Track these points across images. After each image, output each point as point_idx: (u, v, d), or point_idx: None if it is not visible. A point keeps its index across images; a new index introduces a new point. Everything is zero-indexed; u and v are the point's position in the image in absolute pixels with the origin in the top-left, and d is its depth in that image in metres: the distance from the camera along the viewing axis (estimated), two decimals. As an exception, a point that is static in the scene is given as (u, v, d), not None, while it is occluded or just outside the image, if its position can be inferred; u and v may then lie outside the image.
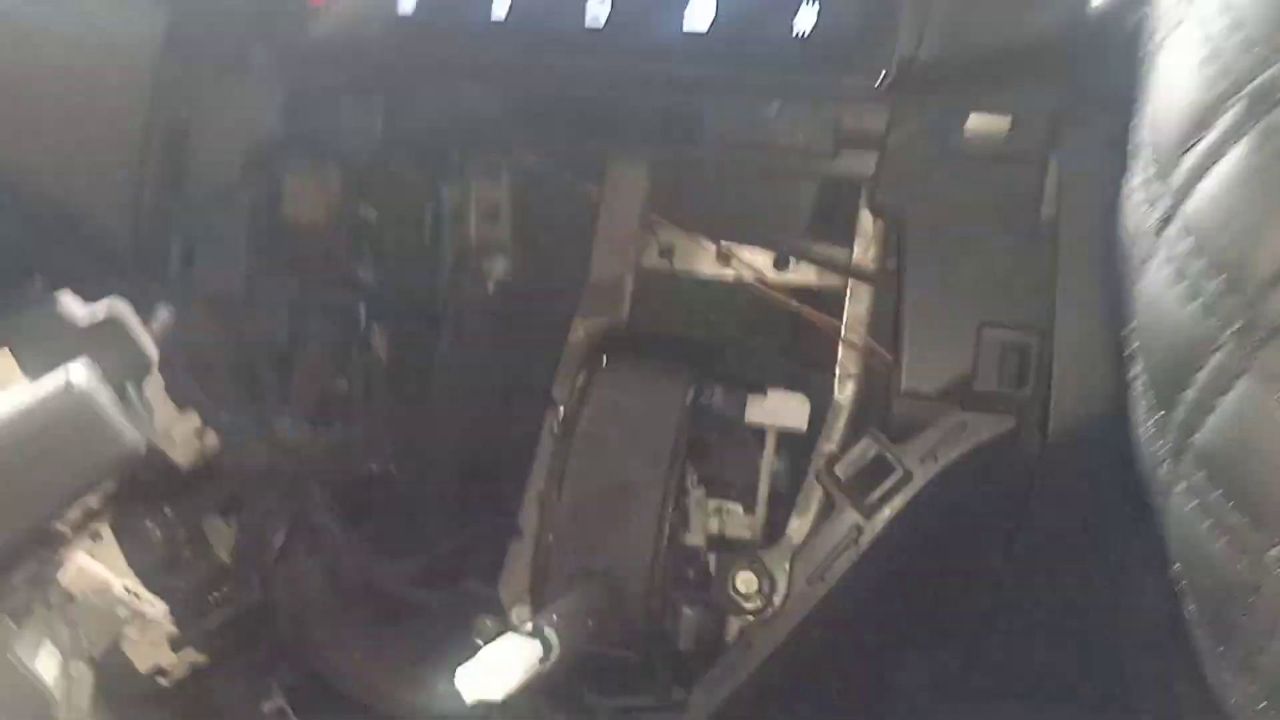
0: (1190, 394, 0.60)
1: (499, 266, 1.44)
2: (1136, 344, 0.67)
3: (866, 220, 1.24)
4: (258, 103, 1.24)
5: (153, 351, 0.82)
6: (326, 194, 1.36)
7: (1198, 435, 0.60)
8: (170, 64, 1.22)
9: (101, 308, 0.85)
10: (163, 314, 0.94)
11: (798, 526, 1.14)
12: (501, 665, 0.74)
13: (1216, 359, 0.58)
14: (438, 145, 1.40)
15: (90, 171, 1.16)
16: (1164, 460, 0.63)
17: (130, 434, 0.77)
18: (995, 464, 1.06)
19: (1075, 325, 1.01)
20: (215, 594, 1.10)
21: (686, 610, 1.13)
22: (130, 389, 0.84)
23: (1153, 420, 0.65)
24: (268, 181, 1.28)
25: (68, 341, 0.80)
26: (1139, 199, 0.73)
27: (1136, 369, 0.66)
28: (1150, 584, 1.03)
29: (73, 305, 0.82)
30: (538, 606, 1.07)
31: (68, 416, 0.75)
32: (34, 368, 0.80)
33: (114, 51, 1.21)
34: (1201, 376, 0.59)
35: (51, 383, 0.76)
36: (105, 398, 0.77)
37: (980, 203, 1.06)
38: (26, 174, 1.14)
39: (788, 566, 1.10)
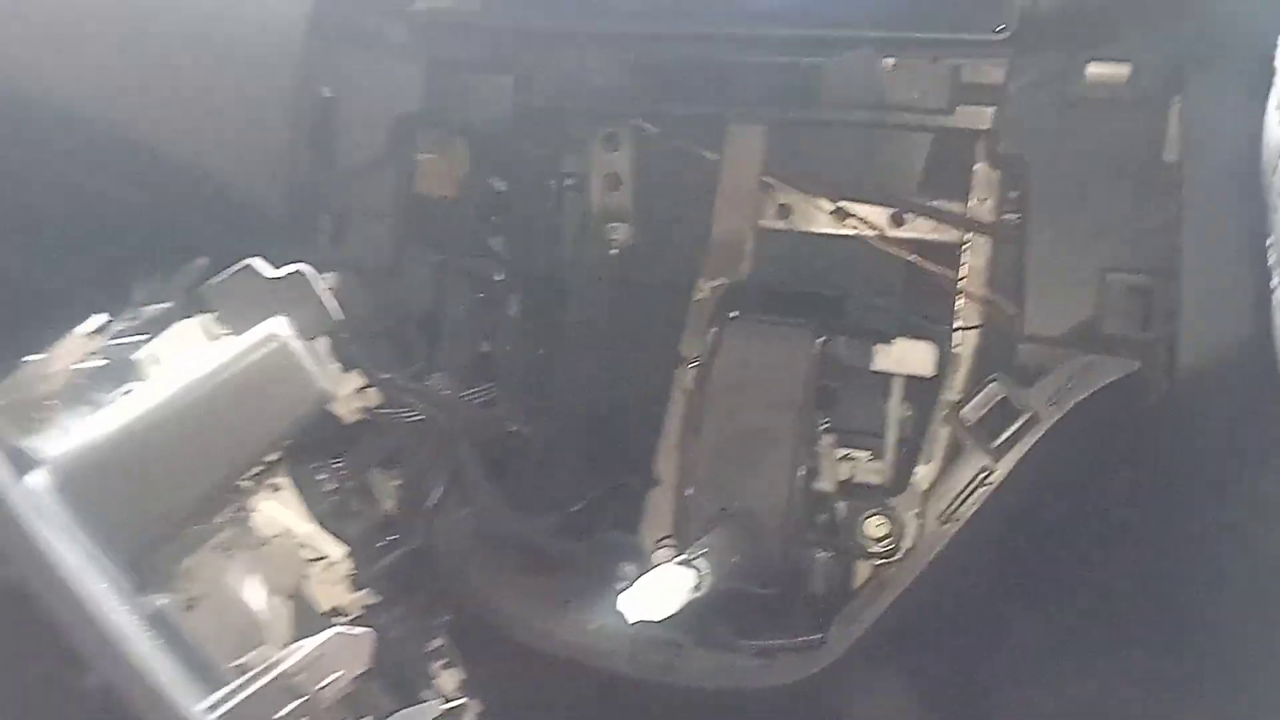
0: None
1: (621, 233, 1.50)
2: (1276, 256, 0.70)
3: (983, 173, 1.27)
4: (399, 78, 1.31)
5: (336, 309, 0.90)
6: (457, 167, 1.44)
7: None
8: (316, 42, 1.28)
9: (288, 270, 0.93)
10: (331, 279, 1.01)
11: (925, 472, 1.18)
12: (661, 589, 0.80)
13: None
14: (562, 118, 1.46)
15: (244, 149, 1.24)
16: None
17: (324, 382, 0.85)
18: (1121, 407, 1.09)
19: (1202, 266, 1.03)
20: (382, 541, 1.18)
21: (820, 553, 1.18)
22: (315, 345, 0.92)
23: None
24: (407, 156, 1.35)
25: (263, 301, 0.88)
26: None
27: (1275, 280, 0.69)
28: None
29: (264, 266, 0.90)
30: (682, 548, 1.13)
31: (273, 365, 0.83)
32: (236, 326, 0.88)
33: (263, 31, 1.28)
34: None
35: (256, 335, 0.84)
36: (302, 349, 0.85)
37: (1102, 149, 1.08)
38: (184, 154, 1.22)
39: (917, 510, 1.14)
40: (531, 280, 1.51)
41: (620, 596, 0.87)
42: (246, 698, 0.65)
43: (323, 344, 1.11)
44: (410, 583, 1.20)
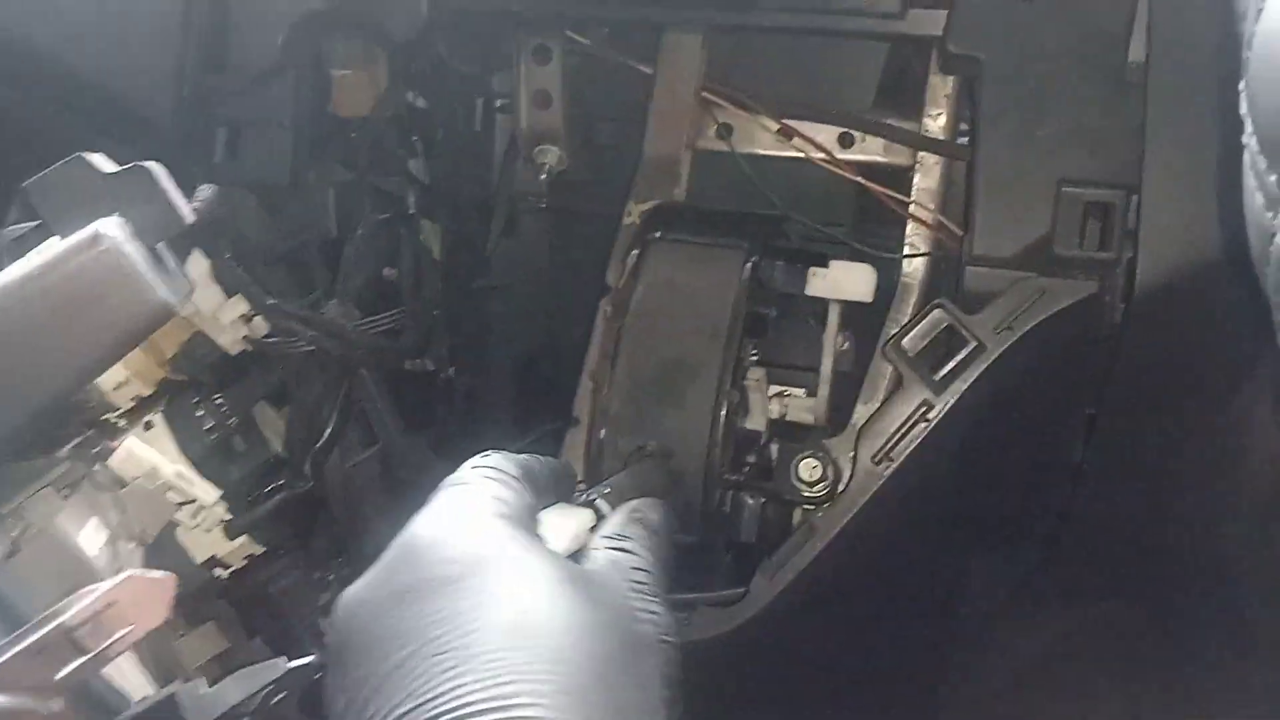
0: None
1: (552, 156, 1.39)
2: (1247, 104, 0.59)
3: (937, 87, 1.16)
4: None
5: (187, 212, 0.78)
6: (374, 81, 1.32)
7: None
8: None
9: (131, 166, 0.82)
10: (206, 190, 0.91)
11: (864, 412, 1.09)
12: (551, 529, 0.70)
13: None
14: (486, 27, 1.35)
15: (129, 54, 1.14)
16: (1276, 234, 0.56)
17: (163, 292, 0.74)
18: (1076, 334, 0.99)
19: (1167, 179, 0.92)
20: (269, 483, 1.08)
21: (748, 498, 1.08)
22: (167, 254, 0.80)
23: (1264, 187, 0.57)
24: (313, 65, 1.23)
25: (97, 199, 0.77)
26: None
27: (1247, 133, 0.59)
28: (1250, 459, 0.96)
29: (101, 160, 0.79)
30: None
31: (98, 272, 0.72)
32: (64, 228, 0.77)
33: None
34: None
35: (80, 236, 0.73)
36: (137, 253, 0.74)
37: (1060, 49, 0.98)
38: (64, 59, 1.12)
39: (853, 451, 1.05)
40: (455, 208, 1.40)
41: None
42: (11, 657, 0.54)
43: (199, 267, 1.01)
44: (301, 530, 1.11)
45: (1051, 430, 1.08)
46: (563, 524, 0.72)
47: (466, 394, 1.48)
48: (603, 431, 1.04)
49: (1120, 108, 0.95)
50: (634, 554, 0.66)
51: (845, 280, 1.06)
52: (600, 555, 0.66)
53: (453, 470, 0.66)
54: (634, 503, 0.73)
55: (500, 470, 0.65)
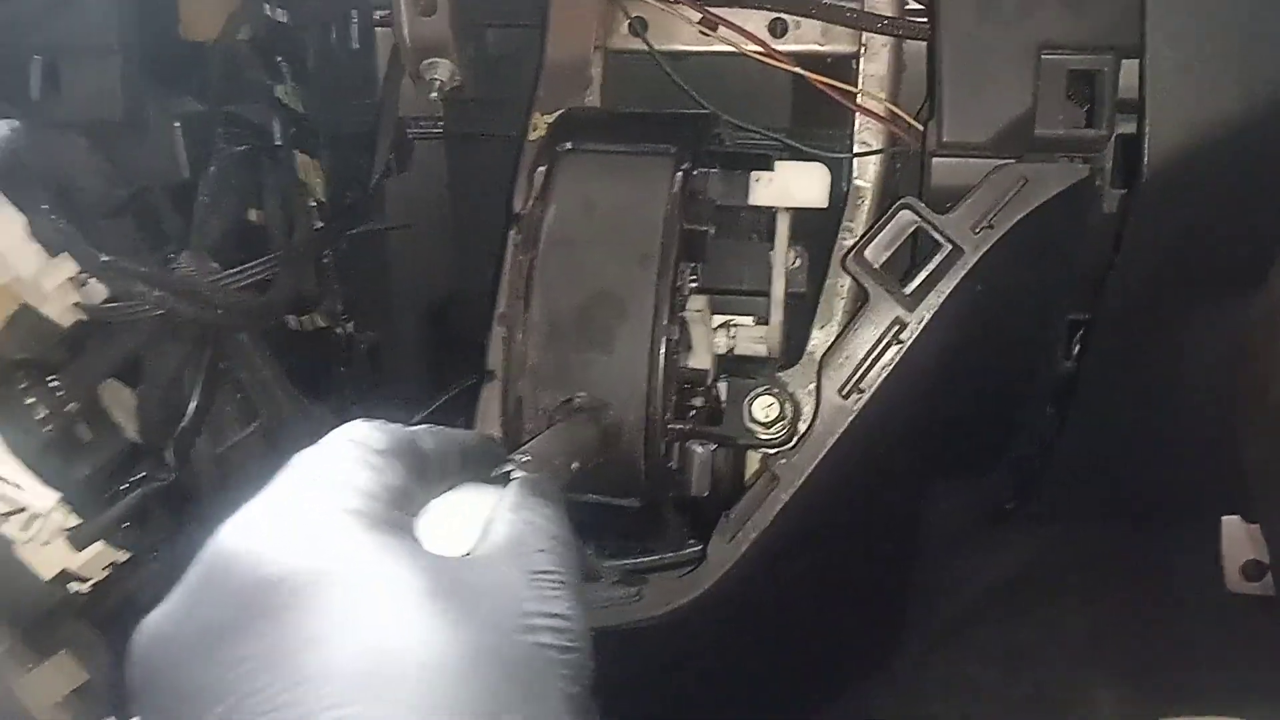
0: None
1: (442, 71, 1.20)
2: None
3: (881, -47, 1.00)
4: None
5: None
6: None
7: None
8: None
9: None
10: (3, 128, 0.72)
11: (822, 338, 0.94)
12: (457, 517, 0.54)
13: None
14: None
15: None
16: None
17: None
18: (1065, 228, 0.85)
19: (1173, 37, 0.77)
20: (126, 477, 0.91)
21: (696, 447, 0.93)
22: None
23: None
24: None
25: None
26: None
27: None
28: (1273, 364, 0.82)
29: None
30: (513, 454, 0.87)
31: None
32: None
33: None
34: None
35: None
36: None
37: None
38: None
39: (813, 383, 0.90)
40: (336, 139, 1.22)
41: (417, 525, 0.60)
42: None
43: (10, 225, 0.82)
44: (170, 529, 0.93)
45: (1037, 343, 0.95)
46: (463, 511, 0.56)
47: (370, 351, 1.31)
48: (521, 385, 0.88)
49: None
50: (536, 531, 0.51)
51: (795, 184, 0.90)
52: (498, 539, 0.50)
53: None
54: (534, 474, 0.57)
55: (362, 445, 0.48)
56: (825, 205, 0.91)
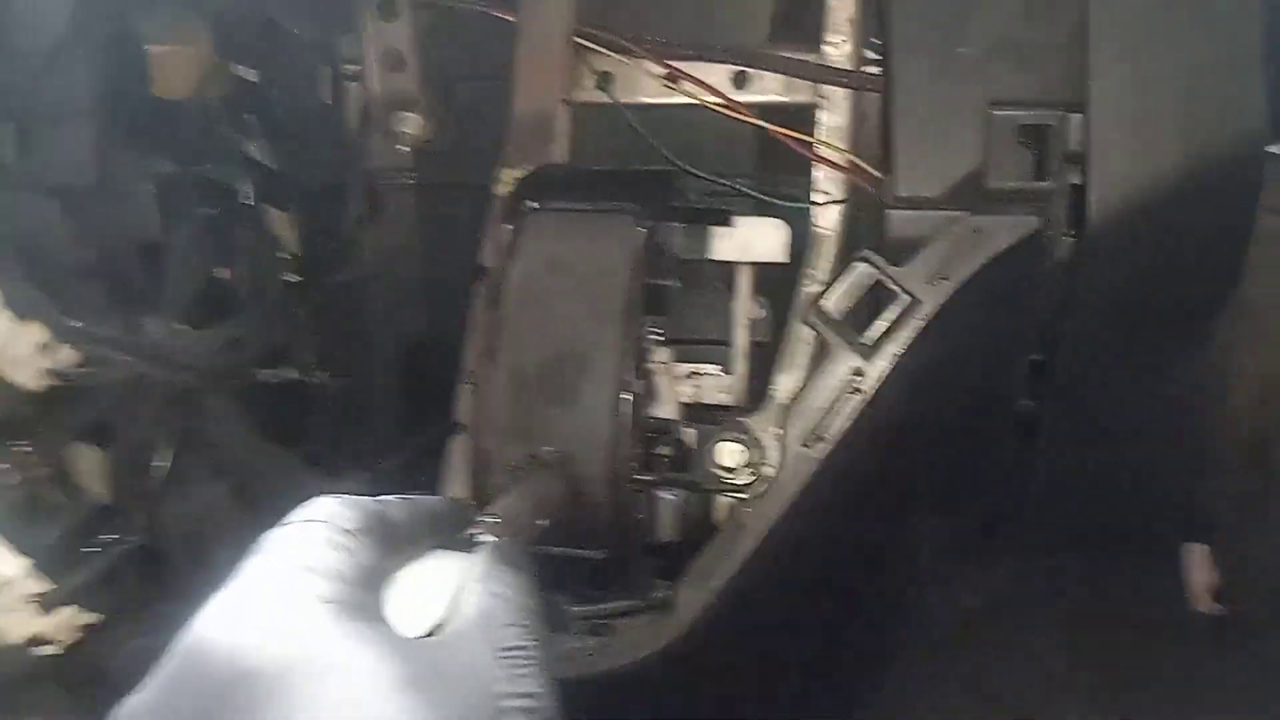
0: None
1: (411, 124, 1.22)
2: None
3: (836, 9, 1.02)
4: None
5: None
6: (198, 55, 1.14)
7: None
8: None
9: None
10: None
11: (785, 384, 0.95)
12: (426, 588, 0.55)
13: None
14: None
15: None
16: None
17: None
18: (1018, 276, 0.86)
19: (1116, 92, 0.79)
20: (96, 539, 0.91)
21: (663, 494, 0.94)
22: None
23: None
24: (121, 41, 1.04)
25: None
26: None
27: None
28: (1222, 402, 0.85)
29: None
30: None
31: None
32: None
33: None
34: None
35: None
36: None
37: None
38: None
39: (778, 430, 0.91)
40: (307, 193, 1.23)
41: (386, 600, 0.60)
42: None
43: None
44: (143, 589, 0.93)
45: (996, 385, 0.96)
46: (432, 582, 0.56)
47: (343, 399, 1.31)
48: (488, 439, 0.89)
49: (1049, 13, 0.82)
50: (505, 604, 0.51)
51: (754, 239, 0.92)
52: (468, 613, 0.51)
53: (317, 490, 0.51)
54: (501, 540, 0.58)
55: (330, 525, 0.49)
56: (786, 260, 0.92)
